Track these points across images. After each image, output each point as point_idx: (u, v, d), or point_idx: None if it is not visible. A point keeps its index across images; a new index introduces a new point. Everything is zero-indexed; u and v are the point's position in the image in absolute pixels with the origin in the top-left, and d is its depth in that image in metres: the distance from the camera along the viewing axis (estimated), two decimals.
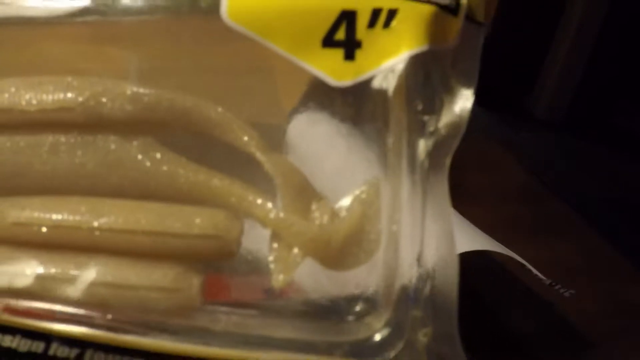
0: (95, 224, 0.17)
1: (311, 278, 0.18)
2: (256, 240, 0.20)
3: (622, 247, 0.42)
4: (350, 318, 0.17)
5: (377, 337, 0.17)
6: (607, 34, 0.72)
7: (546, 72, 0.76)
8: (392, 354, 0.16)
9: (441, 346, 0.16)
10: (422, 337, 0.16)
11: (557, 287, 0.31)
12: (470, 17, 0.17)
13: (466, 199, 0.20)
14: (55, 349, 0.17)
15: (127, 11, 0.18)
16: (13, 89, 0.18)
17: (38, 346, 0.17)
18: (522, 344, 0.32)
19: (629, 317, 0.35)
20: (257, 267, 0.18)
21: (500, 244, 0.31)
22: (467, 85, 0.17)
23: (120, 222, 0.17)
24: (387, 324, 0.17)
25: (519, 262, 0.30)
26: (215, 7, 0.17)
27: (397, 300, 0.17)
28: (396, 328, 0.17)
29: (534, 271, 0.30)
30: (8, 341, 0.18)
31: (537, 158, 0.57)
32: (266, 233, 0.17)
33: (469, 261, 0.24)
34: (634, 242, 0.44)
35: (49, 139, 0.18)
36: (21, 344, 0.17)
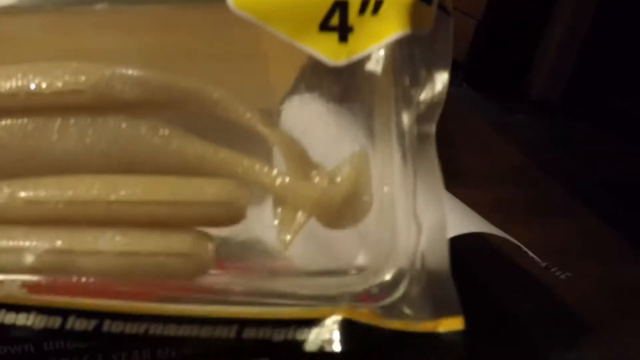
0: (112, 197, 0.18)
1: (305, 256, 0.20)
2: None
3: (618, 228, 0.42)
4: (353, 272, 0.19)
5: (375, 289, 0.19)
6: (602, 16, 0.72)
7: (541, 54, 0.75)
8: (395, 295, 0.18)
9: (435, 289, 0.18)
10: (417, 285, 0.18)
11: (553, 270, 0.31)
12: (441, 6, 0.19)
13: (461, 181, 0.21)
14: (72, 322, 0.18)
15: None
16: (20, 74, 0.19)
17: (55, 321, 0.18)
18: (519, 326, 0.32)
19: (627, 298, 0.35)
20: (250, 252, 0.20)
21: (495, 227, 0.31)
22: (443, 64, 0.19)
23: (137, 194, 0.18)
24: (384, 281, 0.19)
25: (514, 244, 0.30)
26: None
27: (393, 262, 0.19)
28: (393, 282, 0.19)
29: (530, 254, 0.30)
30: (23, 319, 0.18)
31: (532, 139, 0.56)
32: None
33: (465, 243, 0.25)
34: (631, 222, 0.45)
35: (57, 121, 0.19)
36: (37, 321, 0.18)
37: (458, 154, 0.28)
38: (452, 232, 0.27)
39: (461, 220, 0.30)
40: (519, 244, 0.30)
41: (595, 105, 0.71)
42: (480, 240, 0.31)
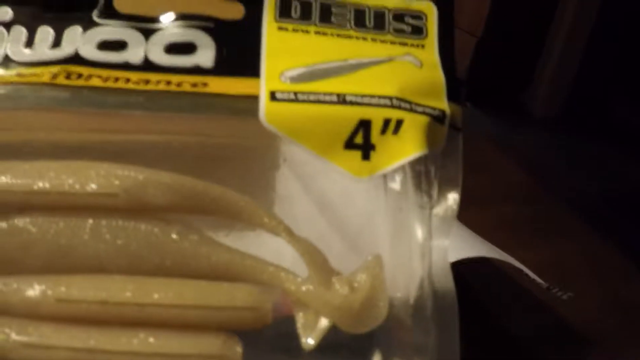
0: (146, 300, 0.19)
1: None
2: None
3: (621, 245, 0.41)
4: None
5: None
6: (600, 30, 0.70)
7: (541, 70, 0.73)
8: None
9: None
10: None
11: (554, 291, 0.31)
12: (452, 125, 0.21)
13: (463, 200, 0.22)
14: None
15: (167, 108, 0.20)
16: (52, 174, 0.20)
17: None
18: (522, 346, 0.32)
19: (631, 317, 0.35)
20: None
21: (497, 249, 0.31)
22: (454, 181, 0.21)
23: (169, 298, 0.19)
24: None
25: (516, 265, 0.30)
26: (253, 112, 0.20)
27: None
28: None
29: (531, 275, 0.30)
30: None
31: (534, 155, 0.55)
32: None
33: (468, 265, 0.26)
34: (634, 240, 0.43)
35: (89, 221, 0.20)
36: None
37: None
38: (454, 256, 0.27)
39: (464, 245, 0.31)
40: (520, 266, 0.30)
41: (597, 119, 0.71)
42: (483, 261, 0.31)
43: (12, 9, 0.22)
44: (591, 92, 0.75)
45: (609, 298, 0.36)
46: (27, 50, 0.21)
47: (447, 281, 0.20)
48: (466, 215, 0.29)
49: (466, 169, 0.22)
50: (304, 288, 0.20)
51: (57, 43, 0.21)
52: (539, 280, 0.31)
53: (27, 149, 0.21)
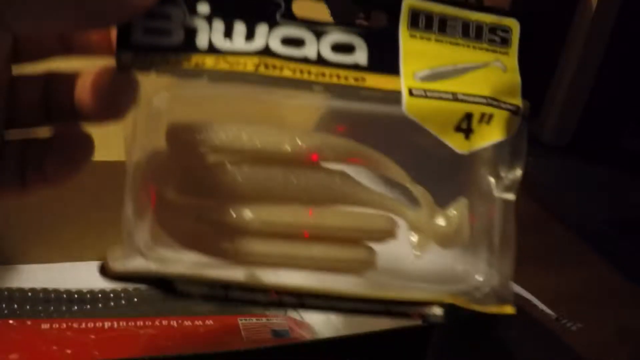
0: (320, 223, 0.29)
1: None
2: None
3: (631, 273, 0.42)
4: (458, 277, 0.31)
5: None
6: (611, 59, 0.72)
7: (551, 98, 0.74)
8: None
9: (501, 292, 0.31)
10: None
11: (564, 322, 0.32)
12: (523, 116, 0.31)
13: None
14: (284, 299, 0.29)
15: None
16: (259, 135, 0.29)
17: (272, 298, 0.29)
18: None
19: (637, 343, 0.36)
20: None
21: None
22: (520, 156, 0.31)
23: (337, 222, 0.29)
24: None
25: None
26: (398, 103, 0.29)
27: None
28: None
29: (540, 306, 0.32)
30: (249, 296, 0.29)
31: (543, 183, 0.56)
32: None
33: None
34: None
35: (281, 171, 0.29)
36: (260, 297, 0.29)
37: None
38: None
39: None
40: (529, 296, 0.32)
41: (606, 147, 0.70)
42: None
43: (210, 5, 0.28)
44: (601, 120, 0.74)
45: (619, 327, 0.36)
46: (227, 41, 0.29)
47: (509, 221, 0.31)
48: None
49: None
50: (418, 218, 0.30)
51: (250, 36, 0.29)
52: (548, 310, 0.32)
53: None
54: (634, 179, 0.61)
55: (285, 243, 0.29)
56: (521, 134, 0.31)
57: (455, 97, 0.30)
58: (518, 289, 0.33)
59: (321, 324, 0.50)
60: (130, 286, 0.50)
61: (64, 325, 0.43)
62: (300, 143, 0.29)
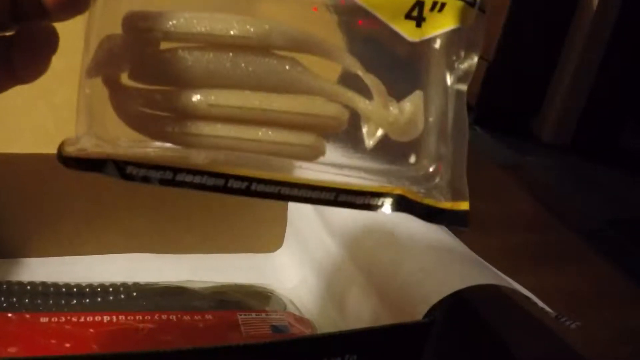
0: (267, 107, 0.29)
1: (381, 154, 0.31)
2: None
3: (631, 271, 0.41)
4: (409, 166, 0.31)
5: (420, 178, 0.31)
6: (611, 58, 0.74)
7: (551, 96, 0.77)
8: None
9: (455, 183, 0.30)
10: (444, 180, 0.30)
11: (563, 320, 0.31)
12: (480, 8, 0.31)
13: (473, 227, 0.24)
14: (231, 183, 0.30)
15: None
16: (207, 21, 0.30)
17: (219, 181, 0.30)
18: None
19: (637, 342, 0.35)
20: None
21: (505, 277, 0.32)
22: (476, 47, 0.31)
23: (284, 106, 0.29)
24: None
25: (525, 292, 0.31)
26: None
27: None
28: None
29: (540, 304, 0.31)
30: (198, 179, 0.30)
31: (542, 182, 0.55)
32: None
33: (477, 293, 0.27)
34: None
35: (230, 54, 0.30)
36: (208, 180, 0.30)
37: (470, 199, 0.29)
38: (464, 283, 0.33)
39: (472, 272, 0.35)
40: (529, 294, 0.30)
41: (606, 146, 0.71)
42: (492, 289, 0.32)
43: None
44: (601, 118, 0.75)
45: (619, 325, 0.36)
46: None
47: (462, 110, 0.30)
48: (475, 242, 0.31)
49: (476, 195, 0.26)
50: (370, 107, 0.30)
51: None
52: (547, 308, 0.32)
53: None
54: (633, 178, 0.60)
55: (233, 126, 0.30)
56: (478, 26, 0.30)
57: None
58: (518, 286, 0.32)
59: (321, 319, 0.51)
60: (129, 280, 0.51)
61: (63, 319, 0.44)
62: (249, 28, 0.30)
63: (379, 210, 0.30)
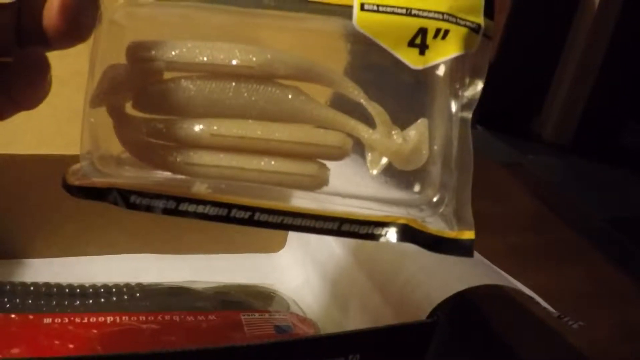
0: (270, 137, 0.29)
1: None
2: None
3: (633, 271, 0.41)
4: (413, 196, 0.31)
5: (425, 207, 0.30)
6: (612, 57, 0.74)
7: (553, 96, 0.77)
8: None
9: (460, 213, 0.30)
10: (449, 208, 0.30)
11: (565, 320, 0.31)
12: (485, 34, 0.30)
13: (475, 227, 0.24)
14: (234, 212, 0.30)
15: None
16: (209, 51, 0.29)
17: (222, 211, 0.30)
18: None
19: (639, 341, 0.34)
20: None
21: (508, 277, 0.31)
22: (481, 74, 0.30)
23: (286, 136, 0.29)
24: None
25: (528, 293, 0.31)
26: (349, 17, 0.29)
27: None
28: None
29: (542, 304, 0.31)
30: (201, 208, 0.30)
31: (544, 181, 0.55)
32: None
33: (481, 293, 0.27)
34: None
35: (232, 84, 0.30)
36: (211, 210, 0.30)
37: (472, 198, 0.29)
38: (467, 284, 0.34)
39: (475, 272, 0.35)
40: (531, 293, 0.30)
41: (608, 145, 0.70)
42: (494, 289, 0.32)
43: None
44: (602, 118, 0.74)
45: (621, 325, 0.36)
46: None
47: (467, 138, 0.30)
48: (476, 241, 0.30)
49: (478, 194, 0.26)
50: (373, 136, 0.30)
51: None
52: (550, 308, 0.31)
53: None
54: (635, 177, 0.60)
55: (236, 156, 0.29)
56: (483, 52, 0.30)
57: (409, 12, 0.29)
58: (520, 286, 0.32)
59: (324, 319, 0.51)
60: (132, 281, 0.51)
61: (66, 320, 0.44)
62: (251, 57, 0.29)
63: (382, 240, 0.30)
